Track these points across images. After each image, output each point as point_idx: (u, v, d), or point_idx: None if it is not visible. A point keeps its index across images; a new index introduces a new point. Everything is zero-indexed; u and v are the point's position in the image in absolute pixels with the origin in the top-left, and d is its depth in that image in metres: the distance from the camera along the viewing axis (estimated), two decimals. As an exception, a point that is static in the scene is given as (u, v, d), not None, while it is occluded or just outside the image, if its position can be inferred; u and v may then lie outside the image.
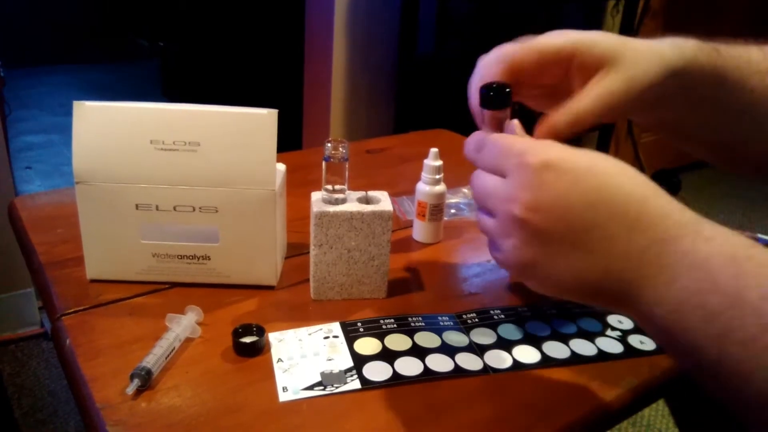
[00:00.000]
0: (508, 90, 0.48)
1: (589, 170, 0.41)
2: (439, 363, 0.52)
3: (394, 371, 0.51)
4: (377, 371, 0.51)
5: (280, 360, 0.52)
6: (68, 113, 0.55)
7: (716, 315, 0.36)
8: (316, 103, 2.21)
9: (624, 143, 2.78)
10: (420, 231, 0.73)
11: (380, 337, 0.55)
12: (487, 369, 0.52)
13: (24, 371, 1.62)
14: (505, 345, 0.55)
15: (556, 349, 0.55)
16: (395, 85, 2.22)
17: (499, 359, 0.53)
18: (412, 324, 0.57)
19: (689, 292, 0.37)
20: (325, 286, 0.60)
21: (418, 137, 1.14)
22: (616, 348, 0.55)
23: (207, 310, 0.56)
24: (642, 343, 0.56)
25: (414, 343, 0.54)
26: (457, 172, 0.92)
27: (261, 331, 0.53)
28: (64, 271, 0.62)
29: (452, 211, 0.82)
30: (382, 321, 0.57)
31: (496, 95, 0.48)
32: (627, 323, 0.59)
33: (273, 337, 0.54)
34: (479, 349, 0.54)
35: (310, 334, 0.55)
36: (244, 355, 0.52)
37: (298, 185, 0.72)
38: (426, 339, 0.55)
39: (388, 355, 0.52)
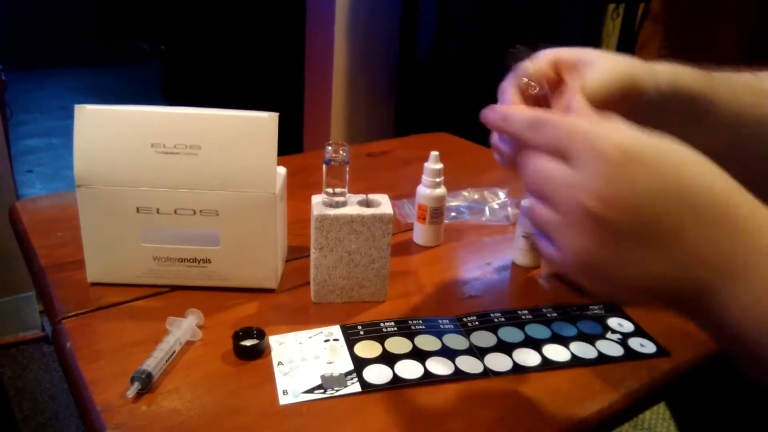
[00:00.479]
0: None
1: (669, 160, 0.38)
2: (440, 366, 0.52)
3: (395, 374, 0.51)
4: (377, 374, 0.51)
5: (280, 363, 0.52)
6: (69, 116, 0.55)
7: None
8: (316, 106, 2.21)
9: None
10: (420, 234, 0.74)
11: (380, 340, 0.55)
12: (487, 372, 0.52)
13: (25, 374, 1.62)
14: (506, 348, 0.55)
15: (556, 352, 0.55)
16: (396, 88, 2.22)
17: (500, 362, 0.53)
18: (413, 327, 0.57)
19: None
20: (325, 289, 0.60)
21: (419, 140, 1.14)
22: (616, 351, 0.55)
23: (207, 314, 0.56)
24: (642, 346, 0.56)
25: (414, 346, 0.54)
26: (458, 175, 0.93)
27: (261, 334, 0.53)
28: (64, 275, 0.62)
29: (453, 214, 0.82)
30: (382, 324, 0.57)
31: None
32: (627, 326, 0.59)
33: (273, 340, 0.54)
34: (479, 352, 0.54)
35: (310, 337, 0.55)
36: (245, 358, 0.52)
37: (299, 188, 0.72)
38: (426, 342, 0.55)
39: (388, 358, 0.52)
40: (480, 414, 0.47)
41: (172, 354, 0.51)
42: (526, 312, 0.60)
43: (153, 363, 0.48)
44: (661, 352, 0.55)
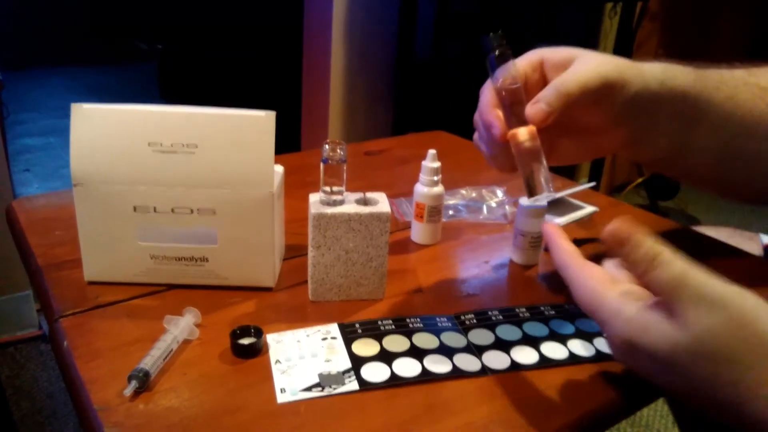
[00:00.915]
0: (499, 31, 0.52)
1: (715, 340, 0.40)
2: (438, 364, 0.52)
3: (392, 372, 0.51)
4: (375, 372, 0.51)
5: (278, 361, 0.52)
6: (66, 116, 0.55)
7: None
8: (314, 104, 2.21)
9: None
10: (418, 232, 0.74)
11: (378, 338, 0.55)
12: (485, 370, 0.52)
13: (22, 373, 1.62)
14: (503, 346, 0.55)
15: (554, 350, 0.55)
16: (393, 87, 2.22)
17: (497, 360, 0.53)
18: (411, 325, 0.57)
19: None
20: (323, 287, 0.60)
21: (417, 139, 1.14)
22: (614, 349, 0.55)
23: (205, 312, 0.56)
24: (640, 343, 0.56)
25: (412, 344, 0.54)
26: (456, 173, 0.93)
27: (259, 333, 0.53)
28: (62, 273, 0.62)
29: (450, 212, 0.82)
30: (380, 322, 0.57)
31: (492, 35, 0.53)
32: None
33: (271, 338, 0.54)
34: (477, 350, 0.54)
35: (308, 336, 0.55)
36: (242, 357, 0.52)
37: (297, 187, 0.72)
38: (424, 340, 0.55)
39: (386, 356, 0.52)
40: (478, 412, 0.47)
41: (170, 352, 0.51)
42: (524, 310, 0.60)
43: (150, 361, 0.48)
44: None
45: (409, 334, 0.56)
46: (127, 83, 4.55)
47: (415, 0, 2.03)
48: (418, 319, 0.58)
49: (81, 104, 0.56)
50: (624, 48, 2.20)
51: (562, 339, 0.56)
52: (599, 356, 0.54)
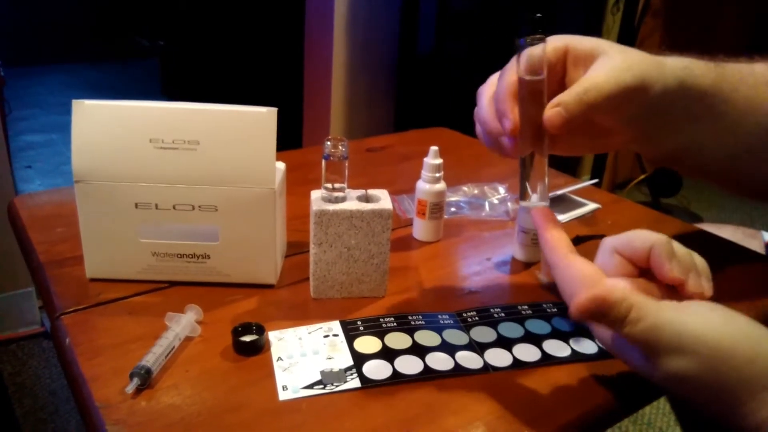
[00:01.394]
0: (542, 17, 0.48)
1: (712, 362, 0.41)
2: (440, 361, 0.52)
3: (394, 370, 0.51)
4: (377, 370, 0.50)
5: (279, 359, 0.51)
6: (68, 112, 0.54)
7: None
8: (316, 101, 2.20)
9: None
10: (420, 229, 0.73)
11: (380, 335, 0.55)
12: (487, 367, 0.52)
13: (24, 370, 1.62)
14: (506, 343, 0.55)
15: (556, 348, 0.55)
16: (395, 84, 2.21)
17: (500, 357, 0.53)
18: (412, 322, 0.57)
19: None
20: (325, 284, 0.60)
21: (418, 135, 1.14)
22: (616, 346, 0.55)
23: (207, 309, 0.56)
24: (642, 341, 0.56)
25: (414, 342, 0.54)
26: (458, 170, 0.92)
27: (261, 330, 0.53)
28: (63, 270, 0.62)
29: (452, 209, 0.82)
30: (382, 319, 0.57)
31: (536, 20, 0.48)
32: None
33: (273, 335, 0.54)
34: (479, 348, 0.54)
35: (309, 333, 0.55)
36: (244, 354, 0.52)
37: (298, 184, 0.72)
38: (426, 337, 0.55)
39: (388, 354, 0.52)
40: (480, 409, 0.47)
41: (172, 350, 0.51)
42: (526, 307, 0.60)
43: (152, 359, 0.48)
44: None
45: (411, 331, 0.56)
46: (128, 80, 4.55)
47: (417, -3, 2.03)
48: (420, 317, 0.58)
49: (82, 101, 0.56)
50: (626, 44, 2.19)
51: (565, 336, 0.56)
52: (602, 354, 0.54)
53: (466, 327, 0.57)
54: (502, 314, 0.59)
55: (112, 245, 0.59)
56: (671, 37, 2.74)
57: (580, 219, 0.82)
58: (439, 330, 0.56)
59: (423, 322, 0.57)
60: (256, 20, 2.96)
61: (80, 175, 0.57)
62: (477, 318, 0.58)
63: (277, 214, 0.59)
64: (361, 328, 0.56)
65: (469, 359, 0.52)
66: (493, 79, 0.54)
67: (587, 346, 0.55)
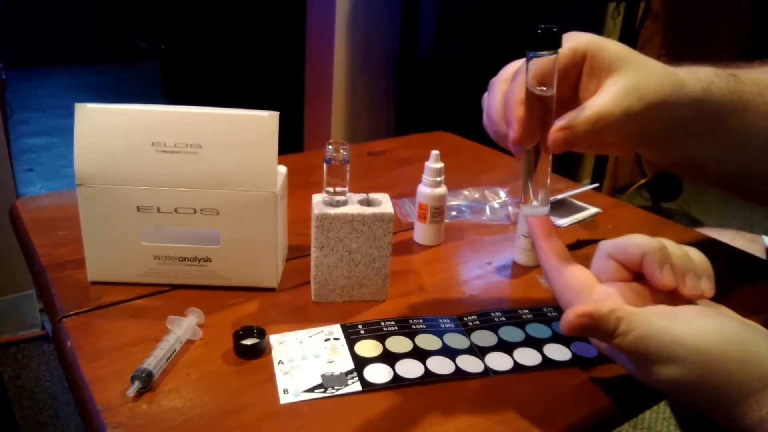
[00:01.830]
0: (556, 30, 0.45)
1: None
2: (440, 365, 0.52)
3: (395, 373, 0.51)
4: (378, 373, 0.51)
5: (280, 362, 0.51)
6: (69, 115, 0.55)
7: None
8: (317, 105, 2.21)
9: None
10: (421, 233, 0.73)
11: (381, 339, 0.55)
12: (487, 371, 0.52)
13: (25, 373, 1.62)
14: (506, 347, 0.55)
15: (557, 352, 0.55)
16: (396, 87, 2.22)
17: (500, 361, 0.53)
18: (413, 326, 0.57)
19: None
20: (326, 288, 0.60)
21: (419, 139, 1.14)
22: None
23: (208, 312, 0.56)
24: (643, 345, 0.56)
25: (415, 346, 0.54)
26: (458, 174, 0.93)
27: (262, 333, 0.53)
28: (65, 273, 0.62)
29: (453, 213, 0.82)
30: (382, 323, 0.57)
31: (545, 34, 0.44)
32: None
33: (274, 339, 0.54)
34: (480, 351, 0.54)
35: (310, 336, 0.55)
36: (245, 357, 0.52)
37: (299, 187, 0.72)
38: (427, 341, 0.55)
39: (388, 358, 0.52)
40: (481, 413, 0.47)
41: (173, 353, 0.51)
42: (526, 311, 0.60)
43: (153, 362, 0.48)
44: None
45: (411, 335, 0.56)
46: (129, 83, 4.56)
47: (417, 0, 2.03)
48: (421, 320, 0.58)
49: (85, 104, 0.56)
50: (627, 49, 2.19)
51: (566, 340, 0.56)
52: (602, 358, 0.54)
53: (467, 331, 0.57)
54: (503, 318, 0.59)
55: (113, 248, 0.60)
56: (671, 41, 2.74)
57: (581, 223, 0.82)
58: (439, 334, 0.56)
59: (424, 326, 0.57)
60: (257, 23, 2.97)
61: (82, 179, 0.57)
62: (478, 322, 0.58)
63: (278, 218, 0.59)
64: (362, 332, 0.56)
65: (469, 363, 0.52)
66: (507, 73, 0.52)
67: (588, 350, 0.55)
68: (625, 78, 0.47)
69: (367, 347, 0.54)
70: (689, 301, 0.46)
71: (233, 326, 0.54)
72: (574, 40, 0.49)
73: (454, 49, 2.09)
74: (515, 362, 0.53)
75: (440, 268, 0.69)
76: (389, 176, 0.96)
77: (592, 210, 0.84)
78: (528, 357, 0.54)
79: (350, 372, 0.51)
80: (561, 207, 0.84)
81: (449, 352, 0.54)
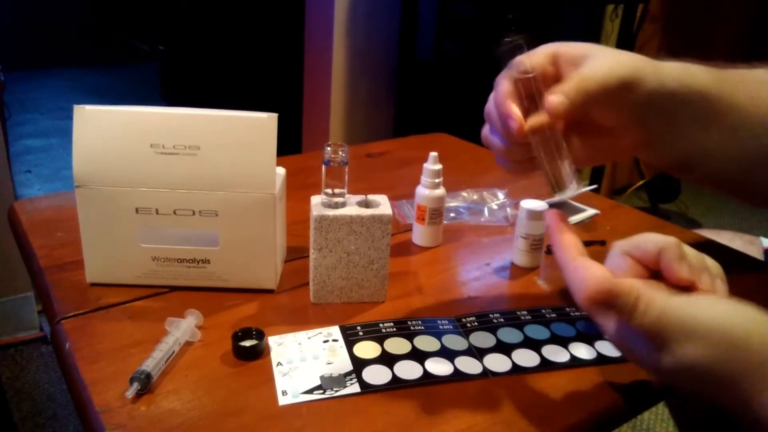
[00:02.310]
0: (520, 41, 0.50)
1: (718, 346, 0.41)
2: (439, 366, 0.52)
3: (394, 375, 0.51)
4: (377, 375, 0.51)
5: (279, 363, 0.52)
6: (68, 117, 0.55)
7: None
8: (315, 106, 2.21)
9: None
10: (419, 235, 0.74)
11: (380, 340, 0.55)
12: (486, 372, 0.52)
13: (23, 375, 1.62)
14: (505, 348, 0.55)
15: (555, 353, 0.55)
16: (395, 89, 2.22)
17: (499, 363, 0.53)
18: (412, 327, 0.57)
19: None
20: (324, 289, 0.60)
21: (418, 141, 1.14)
22: (615, 351, 0.55)
23: (206, 314, 0.56)
24: (641, 346, 0.56)
25: (413, 347, 0.54)
26: (457, 175, 0.93)
27: (260, 335, 0.53)
28: (63, 275, 0.62)
29: (452, 214, 0.82)
30: (381, 325, 0.57)
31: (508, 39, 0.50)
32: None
33: (273, 340, 0.54)
34: (479, 353, 0.54)
35: (309, 338, 0.55)
36: (244, 359, 0.52)
37: (298, 189, 0.72)
38: (425, 342, 0.55)
39: (387, 359, 0.53)
40: (479, 414, 0.47)
41: (172, 354, 0.51)
42: (525, 313, 0.60)
43: (152, 363, 0.48)
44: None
45: (410, 336, 0.56)
46: (128, 84, 4.55)
47: (416, 1, 2.03)
48: (420, 322, 0.58)
49: (83, 106, 0.56)
50: (625, 51, 2.20)
51: (564, 342, 0.56)
52: (601, 359, 0.54)
53: (466, 332, 0.57)
54: (502, 319, 0.59)
55: (112, 250, 0.60)
56: (670, 44, 2.74)
57: (580, 224, 0.82)
58: (438, 335, 0.56)
59: (422, 328, 0.57)
60: (255, 25, 2.97)
61: (81, 180, 0.57)
62: (476, 323, 0.58)
63: (277, 219, 0.59)
64: (361, 333, 0.56)
65: (468, 364, 0.52)
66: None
67: (586, 352, 0.55)
68: (600, 56, 0.52)
69: (366, 349, 0.54)
70: None
71: (232, 328, 0.54)
72: (540, 48, 0.53)
73: (453, 51, 2.09)
74: (514, 363, 0.53)
75: (439, 270, 0.69)
76: (388, 178, 0.96)
77: (590, 211, 0.84)
78: (526, 358, 0.54)
79: (349, 373, 0.51)
80: (559, 208, 0.84)
81: (448, 354, 0.54)
